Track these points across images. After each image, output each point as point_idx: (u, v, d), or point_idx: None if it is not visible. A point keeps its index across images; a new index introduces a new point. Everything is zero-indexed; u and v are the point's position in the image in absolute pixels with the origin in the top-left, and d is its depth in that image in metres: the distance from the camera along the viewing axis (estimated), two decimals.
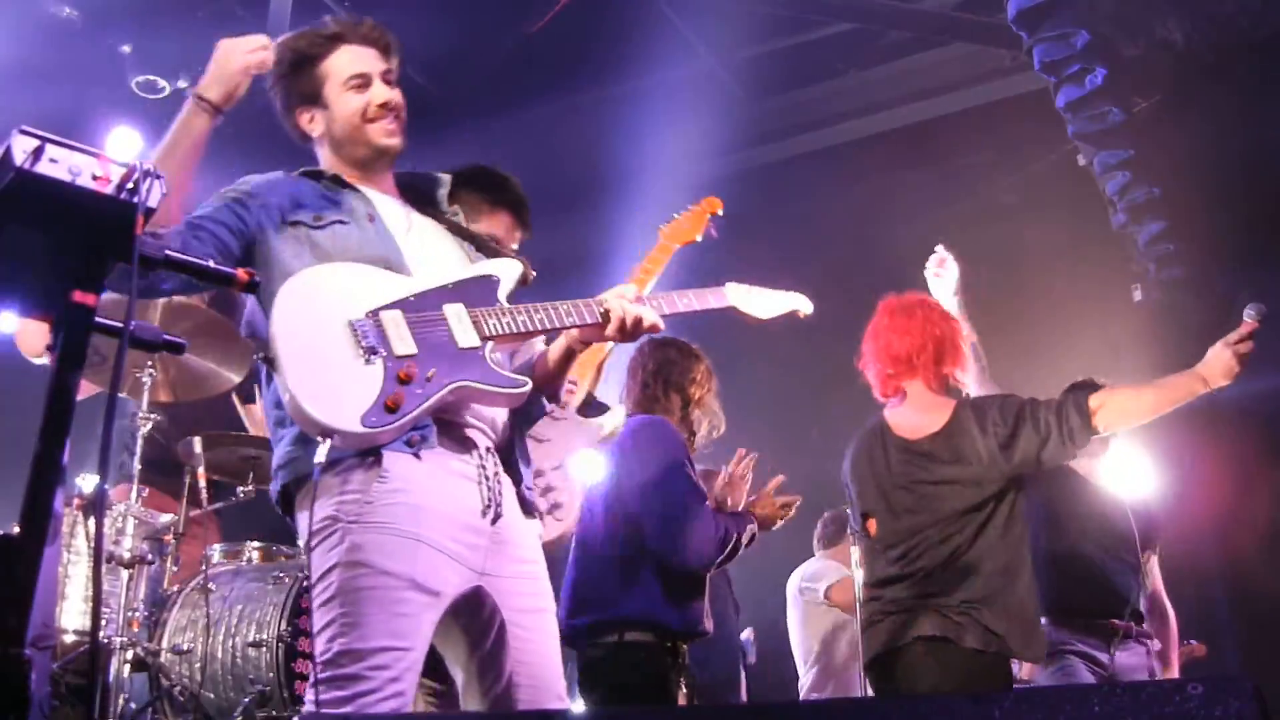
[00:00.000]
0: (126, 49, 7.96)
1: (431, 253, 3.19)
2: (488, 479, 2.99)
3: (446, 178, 3.45)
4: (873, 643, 4.33)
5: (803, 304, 3.57)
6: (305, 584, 4.89)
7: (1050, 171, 9.25)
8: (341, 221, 3.08)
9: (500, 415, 3.12)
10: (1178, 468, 7.44)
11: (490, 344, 2.95)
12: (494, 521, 2.98)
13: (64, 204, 1.83)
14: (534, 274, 3.21)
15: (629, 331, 3.07)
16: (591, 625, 4.62)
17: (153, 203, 1.87)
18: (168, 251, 2.02)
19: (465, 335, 2.93)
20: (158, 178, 1.88)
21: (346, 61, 3.17)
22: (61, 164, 1.82)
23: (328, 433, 2.74)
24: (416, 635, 2.78)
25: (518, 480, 3.14)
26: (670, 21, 8.65)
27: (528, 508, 3.15)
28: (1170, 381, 4.42)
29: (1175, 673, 5.19)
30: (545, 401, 3.37)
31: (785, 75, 9.39)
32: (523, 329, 3.01)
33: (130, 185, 1.86)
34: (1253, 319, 4.00)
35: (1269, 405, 7.60)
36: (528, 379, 2.96)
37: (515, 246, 3.97)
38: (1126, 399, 4.20)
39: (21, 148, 1.80)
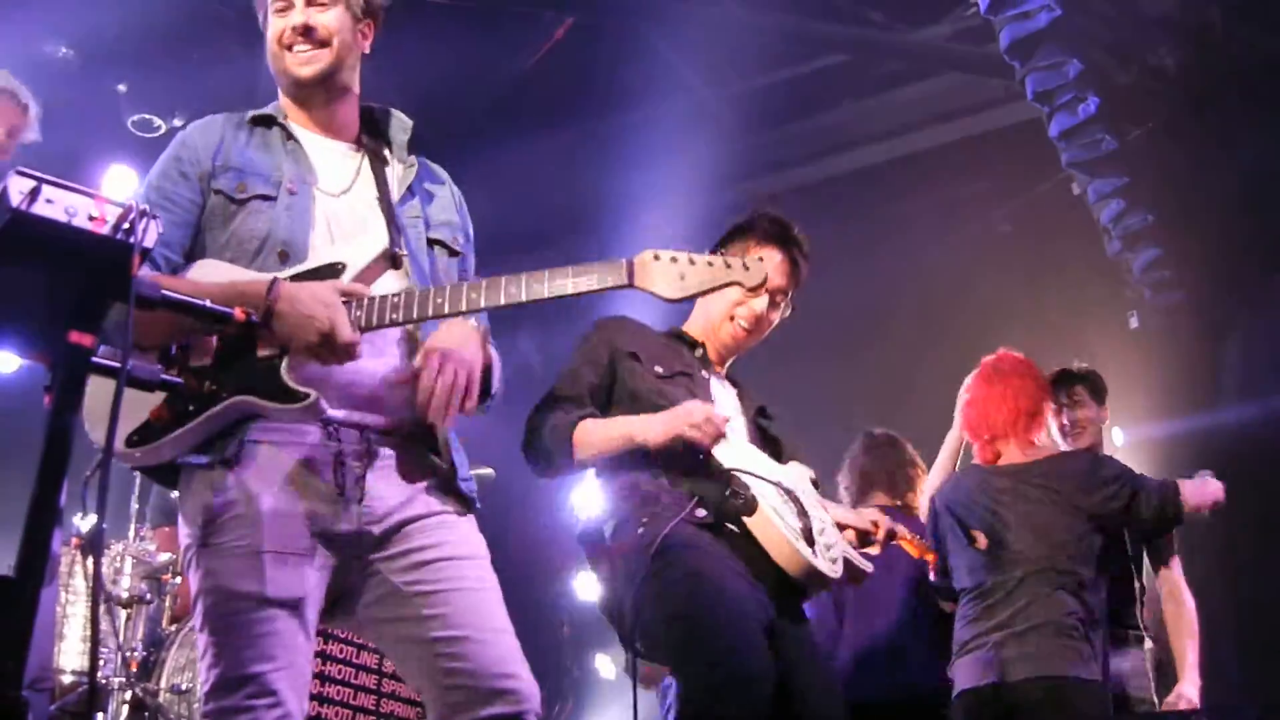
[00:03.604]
0: (122, 88, 7.99)
1: (350, 227, 2.94)
2: (345, 466, 2.77)
3: (408, 122, 3.18)
4: None
5: (748, 277, 2.80)
6: None
7: (1045, 200, 9.29)
8: (262, 196, 2.89)
9: (399, 394, 2.83)
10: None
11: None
12: (355, 504, 2.76)
13: (60, 244, 1.83)
14: (404, 253, 2.90)
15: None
16: None
17: (149, 243, 1.87)
18: (164, 291, 2.01)
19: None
20: (154, 218, 1.88)
21: None
22: (58, 204, 1.81)
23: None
24: (285, 649, 2.64)
25: (426, 468, 2.90)
26: (664, 56, 8.70)
27: (448, 497, 2.93)
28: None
29: (1187, 665, 5.13)
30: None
31: (780, 108, 9.43)
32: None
33: (126, 225, 1.85)
34: None
35: (1271, 430, 7.61)
36: (310, 393, 2.63)
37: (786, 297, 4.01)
38: (1190, 490, 4.59)
39: (18, 188, 1.80)
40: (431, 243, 3.07)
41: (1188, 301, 8.37)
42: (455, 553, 2.84)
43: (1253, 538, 7.42)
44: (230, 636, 2.63)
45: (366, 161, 3.07)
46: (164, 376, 2.07)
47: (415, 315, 2.74)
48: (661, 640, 3.48)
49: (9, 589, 1.72)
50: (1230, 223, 7.87)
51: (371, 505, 2.79)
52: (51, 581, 4.30)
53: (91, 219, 1.83)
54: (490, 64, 8.40)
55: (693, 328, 4.00)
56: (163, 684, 5.16)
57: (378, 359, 2.85)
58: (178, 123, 7.98)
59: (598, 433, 3.58)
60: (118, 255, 1.86)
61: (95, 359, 1.87)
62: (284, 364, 2.67)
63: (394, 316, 2.72)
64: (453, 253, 3.12)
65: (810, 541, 3.51)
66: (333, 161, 3.03)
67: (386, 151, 3.14)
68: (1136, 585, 5.10)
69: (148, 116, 8.02)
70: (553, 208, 9.22)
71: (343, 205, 2.97)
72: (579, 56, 8.52)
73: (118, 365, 1.90)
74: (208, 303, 2.18)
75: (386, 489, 2.83)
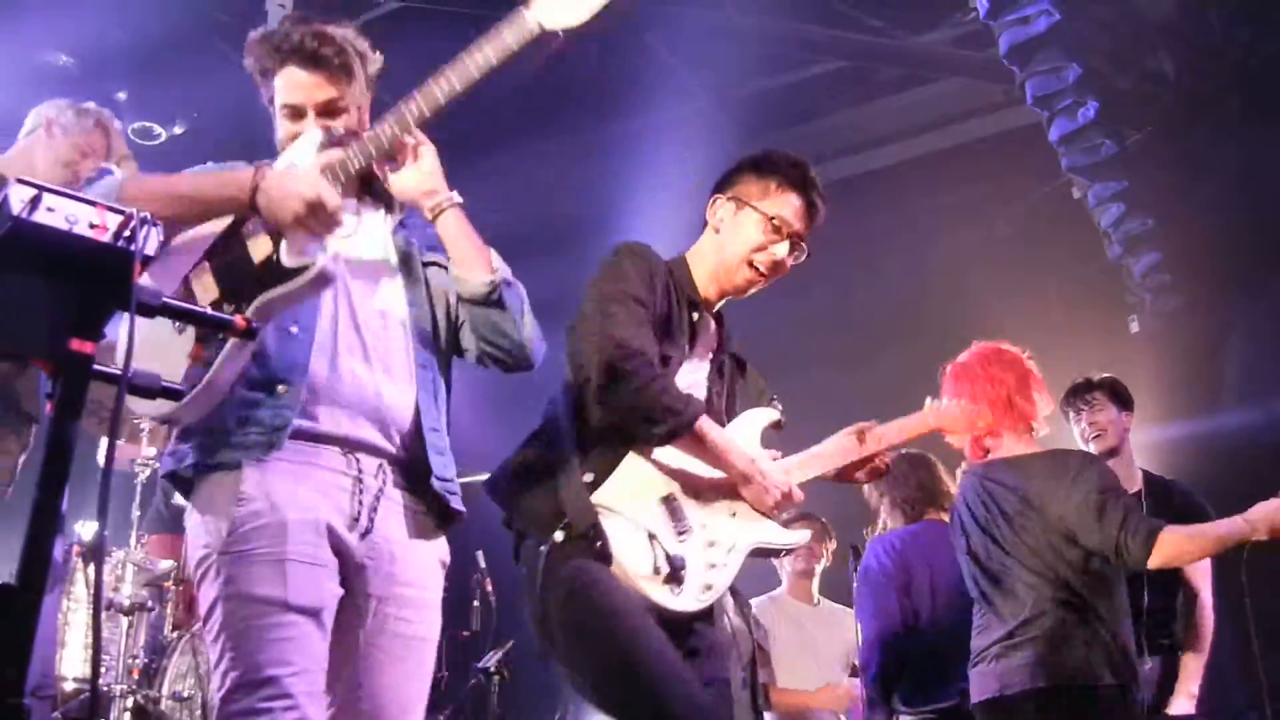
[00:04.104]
0: (122, 96, 8.00)
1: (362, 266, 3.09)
2: (362, 493, 2.88)
3: None
4: None
5: None
6: None
7: (1045, 205, 9.28)
8: None
9: (405, 417, 2.98)
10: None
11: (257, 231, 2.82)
12: (363, 536, 2.87)
13: (61, 252, 1.83)
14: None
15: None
16: None
17: (150, 250, 1.87)
18: (165, 299, 2.02)
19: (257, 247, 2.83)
20: (155, 225, 1.88)
21: (284, 86, 3.02)
22: (59, 212, 1.81)
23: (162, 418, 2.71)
24: (304, 656, 2.70)
25: (425, 491, 3.01)
26: (665, 62, 8.70)
27: (435, 515, 3.04)
28: (1216, 527, 4.50)
29: (1186, 678, 5.13)
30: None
31: (780, 113, 9.43)
32: None
33: (127, 233, 1.86)
34: None
35: (1273, 434, 7.61)
36: (311, 260, 2.75)
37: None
38: (1185, 541, 4.32)
39: (19, 196, 1.80)
40: (426, 264, 3.16)
41: (1188, 306, 8.37)
42: (413, 632, 2.96)
43: (1254, 542, 7.41)
44: (249, 641, 2.68)
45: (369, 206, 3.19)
46: (164, 384, 2.07)
47: (375, 151, 2.90)
48: (593, 693, 3.21)
49: (10, 596, 1.72)
50: (1230, 227, 7.87)
51: (378, 544, 2.90)
52: (53, 589, 4.31)
53: (92, 227, 1.84)
54: (489, 73, 8.39)
55: (700, 267, 3.64)
56: (164, 691, 5.16)
57: (389, 383, 2.96)
58: (178, 130, 8.01)
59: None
60: (119, 263, 1.86)
61: (97, 367, 1.87)
62: (281, 249, 2.77)
63: (360, 159, 2.89)
64: (446, 268, 3.17)
65: (674, 577, 3.16)
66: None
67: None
68: (1179, 596, 5.10)
69: (147, 124, 8.04)
70: (555, 214, 9.23)
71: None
72: (580, 63, 8.52)
73: (119, 373, 1.90)
74: (209, 310, 2.19)
75: (394, 532, 2.94)
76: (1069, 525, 4.33)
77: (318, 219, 2.75)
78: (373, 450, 2.93)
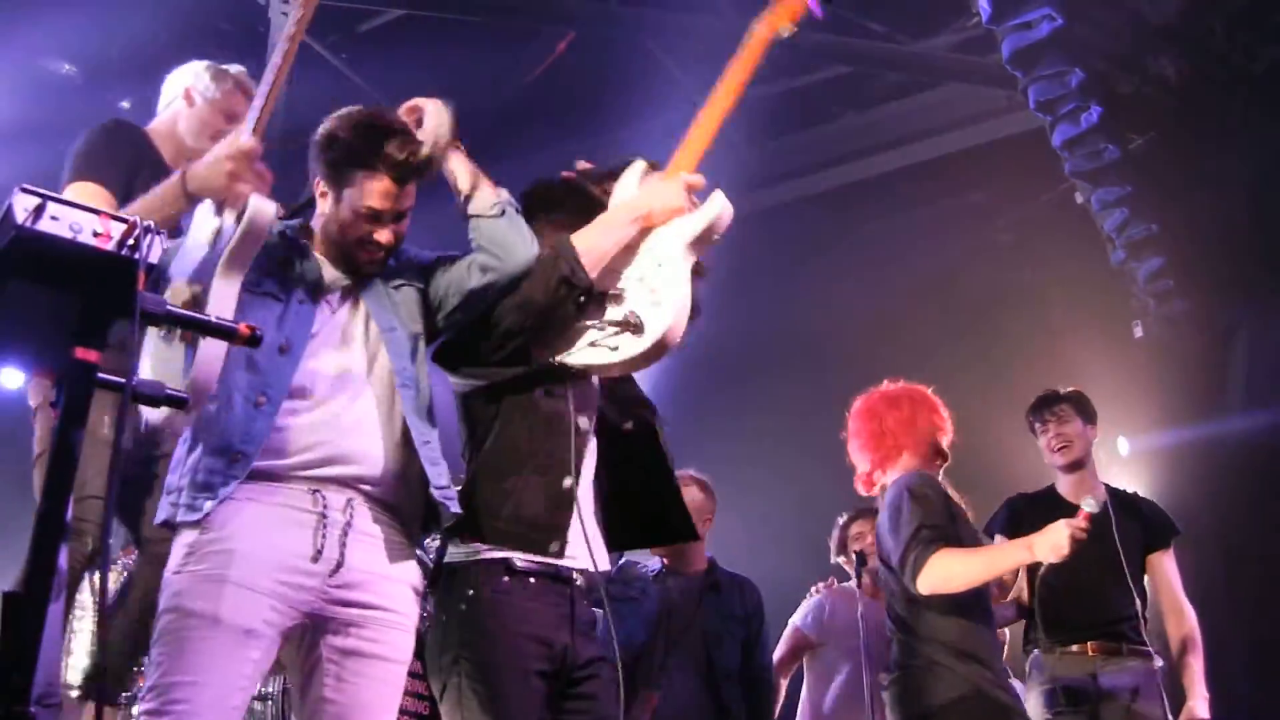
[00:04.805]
0: (126, 104, 8.00)
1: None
2: (326, 528, 2.97)
3: None
4: None
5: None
6: None
7: (1048, 209, 9.28)
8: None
9: (380, 464, 3.09)
10: (1183, 503, 7.43)
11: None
12: (334, 571, 2.97)
13: (65, 261, 1.83)
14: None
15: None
16: None
17: (154, 258, 1.87)
18: (169, 307, 2.02)
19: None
20: (158, 234, 1.88)
21: (371, 191, 3.13)
22: (62, 221, 1.82)
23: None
24: (215, 671, 2.81)
25: (399, 516, 3.13)
26: (665, 67, 8.70)
27: (410, 593, 3.13)
28: (998, 549, 4.68)
29: (1195, 682, 5.12)
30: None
31: (781, 119, 9.43)
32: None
33: (131, 241, 1.86)
34: (1091, 509, 4.17)
35: (1277, 437, 7.59)
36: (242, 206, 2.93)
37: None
38: (956, 564, 4.30)
39: (23, 205, 1.80)
40: (396, 287, 3.31)
41: (1192, 310, 8.35)
42: (382, 653, 3.04)
43: (1260, 545, 7.41)
44: (171, 649, 2.83)
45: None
46: (169, 392, 2.07)
47: (271, 87, 3.08)
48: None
49: (16, 604, 1.72)
50: (1234, 231, 7.86)
51: (345, 577, 2.99)
52: (59, 596, 4.31)
53: (96, 235, 1.84)
54: (491, 79, 8.42)
55: None
56: None
57: (356, 415, 3.08)
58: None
59: None
60: (122, 271, 1.86)
61: (101, 375, 1.87)
62: (226, 217, 2.98)
63: (266, 87, 3.10)
64: (417, 288, 3.34)
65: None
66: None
67: None
68: (1136, 601, 5.09)
69: None
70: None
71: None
72: (580, 70, 8.53)
73: (123, 381, 1.90)
74: (213, 319, 2.19)
75: (362, 562, 3.03)
76: (884, 552, 4.51)
77: (248, 162, 3.03)
78: (340, 484, 3.03)
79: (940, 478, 4.68)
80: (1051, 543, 4.18)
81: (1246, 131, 7.62)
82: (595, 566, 3.34)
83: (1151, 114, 7.68)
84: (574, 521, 3.27)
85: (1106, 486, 5.38)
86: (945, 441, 4.74)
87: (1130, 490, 5.59)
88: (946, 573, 4.27)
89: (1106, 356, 8.14)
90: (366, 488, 3.06)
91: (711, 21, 8.26)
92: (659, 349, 3.23)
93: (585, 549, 3.30)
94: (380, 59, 8.14)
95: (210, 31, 7.60)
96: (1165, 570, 5.27)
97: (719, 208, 3.51)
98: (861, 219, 9.65)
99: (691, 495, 5.22)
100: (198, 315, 2.16)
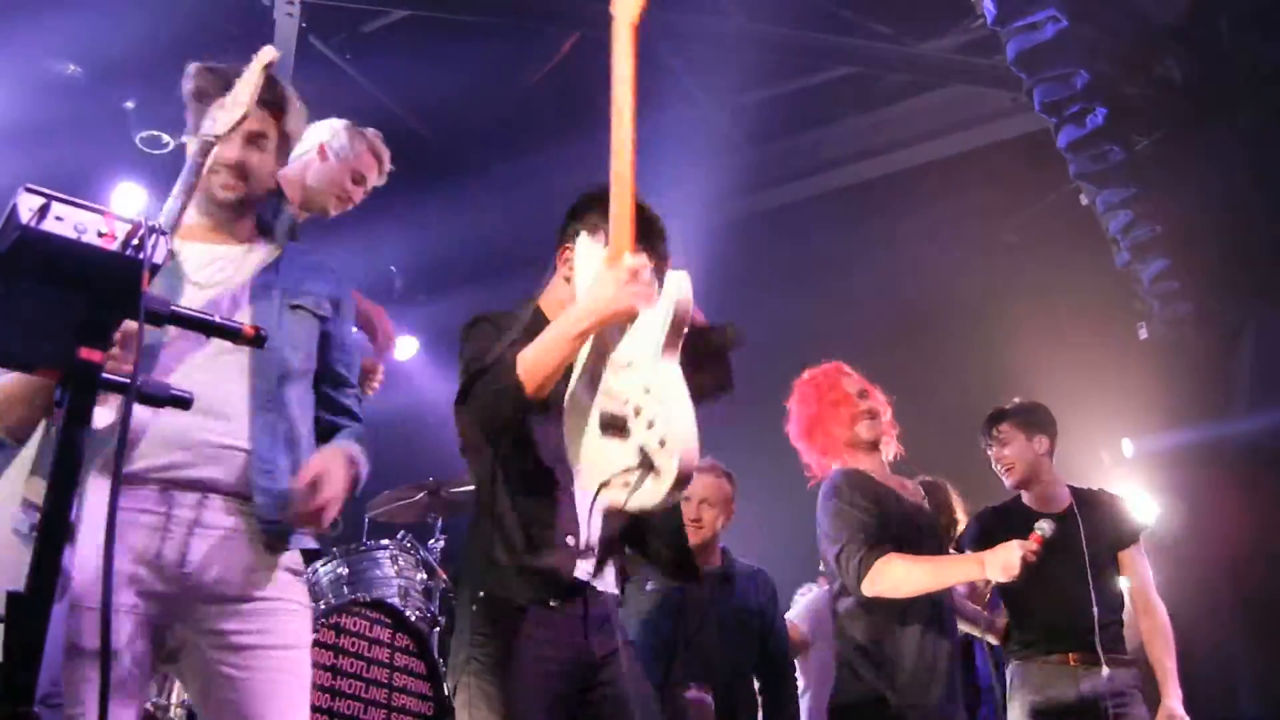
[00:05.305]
0: (130, 105, 8.01)
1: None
2: (170, 527, 2.85)
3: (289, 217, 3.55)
4: None
5: None
6: (318, 640, 4.90)
7: (1053, 211, 9.27)
8: None
9: (233, 446, 2.94)
10: (1189, 505, 7.43)
11: None
12: (181, 567, 2.85)
13: (70, 261, 1.83)
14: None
15: None
16: None
17: (158, 259, 1.87)
18: (174, 308, 2.02)
19: None
20: (163, 234, 1.88)
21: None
22: (67, 221, 1.82)
23: None
24: (76, 701, 2.67)
25: (267, 547, 2.98)
26: (670, 68, 8.70)
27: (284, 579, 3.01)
28: (949, 561, 4.61)
29: (1168, 680, 5.11)
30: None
31: (785, 120, 9.43)
32: None
33: (136, 241, 1.86)
34: (1043, 533, 4.16)
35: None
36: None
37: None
38: (902, 571, 4.28)
39: (27, 205, 1.80)
40: (293, 307, 3.18)
41: (1197, 312, 8.35)
42: (271, 641, 2.92)
43: (1265, 548, 7.40)
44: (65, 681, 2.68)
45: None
46: (173, 392, 2.07)
47: None
48: None
49: (21, 604, 1.72)
50: (1239, 233, 7.85)
51: (190, 573, 2.86)
52: (63, 597, 4.30)
53: (101, 235, 1.84)
54: (496, 81, 8.41)
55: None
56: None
57: (214, 406, 2.91)
58: (185, 140, 7.99)
59: None
60: (127, 271, 1.86)
61: (105, 375, 1.87)
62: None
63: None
64: (318, 316, 3.23)
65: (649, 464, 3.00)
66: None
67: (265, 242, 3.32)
68: (1112, 608, 5.08)
69: (156, 133, 8.03)
70: (557, 221, 9.22)
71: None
72: (585, 71, 8.52)
73: (127, 382, 1.90)
74: (217, 318, 2.18)
75: (212, 559, 2.89)
76: (820, 550, 4.51)
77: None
78: (189, 485, 2.89)
79: (880, 466, 4.69)
80: (1002, 562, 4.16)
81: (1252, 133, 7.62)
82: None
83: (1157, 115, 7.67)
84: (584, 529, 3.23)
85: (1071, 488, 5.33)
86: (865, 429, 4.68)
87: (1096, 488, 5.50)
88: (894, 580, 4.27)
89: (1112, 358, 8.15)
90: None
91: (718, 23, 8.27)
92: (680, 484, 2.83)
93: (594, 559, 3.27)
94: (385, 59, 8.15)
95: (215, 33, 7.60)
96: (1136, 567, 5.24)
97: (675, 298, 3.03)
98: (863, 221, 9.63)
99: (720, 485, 5.34)
100: (203, 316, 2.15)
